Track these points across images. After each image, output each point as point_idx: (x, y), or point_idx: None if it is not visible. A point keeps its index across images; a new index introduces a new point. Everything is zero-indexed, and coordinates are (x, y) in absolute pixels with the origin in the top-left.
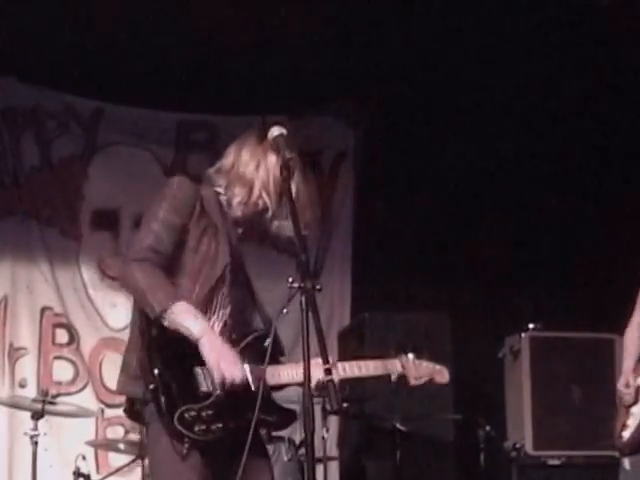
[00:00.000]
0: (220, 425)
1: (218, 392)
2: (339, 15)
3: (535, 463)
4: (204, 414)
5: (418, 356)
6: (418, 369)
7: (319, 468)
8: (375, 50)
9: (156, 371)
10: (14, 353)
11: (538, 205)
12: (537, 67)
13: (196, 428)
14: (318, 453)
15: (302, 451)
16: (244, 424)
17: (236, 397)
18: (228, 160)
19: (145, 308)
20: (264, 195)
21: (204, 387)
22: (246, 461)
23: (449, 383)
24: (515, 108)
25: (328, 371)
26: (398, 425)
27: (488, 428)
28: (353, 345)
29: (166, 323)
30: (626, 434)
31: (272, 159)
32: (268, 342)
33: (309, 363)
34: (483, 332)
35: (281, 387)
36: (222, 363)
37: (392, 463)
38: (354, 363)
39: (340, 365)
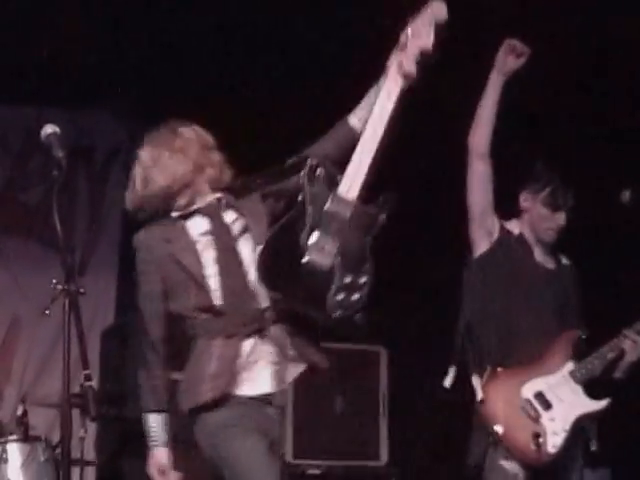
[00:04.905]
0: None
1: None
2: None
3: (295, 472)
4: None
5: None
6: None
7: (76, 470)
8: (160, 49)
9: None
10: None
11: None
12: None
13: None
14: (76, 454)
15: (59, 451)
16: None
17: None
18: None
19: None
20: None
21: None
22: None
23: None
24: None
25: (88, 377)
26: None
27: None
28: (115, 344)
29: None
30: (549, 447)
31: None
32: None
33: (69, 366)
34: None
35: None
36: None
37: None
38: None
39: None
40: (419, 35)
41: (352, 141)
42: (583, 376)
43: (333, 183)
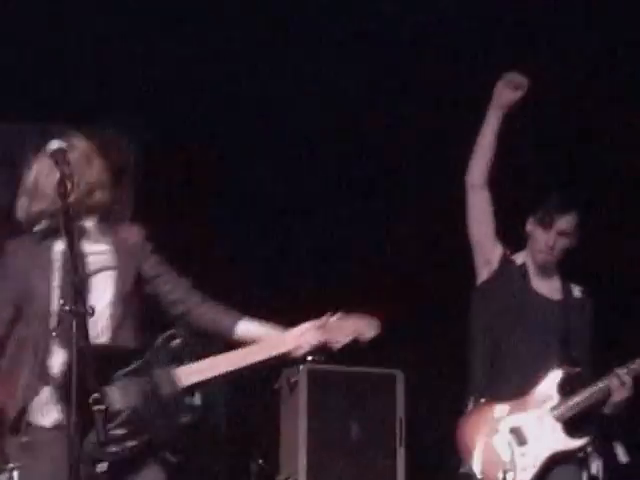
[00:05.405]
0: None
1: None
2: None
3: None
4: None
5: None
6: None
7: None
8: (159, 62)
9: None
10: None
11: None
12: None
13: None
14: None
15: None
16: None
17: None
18: None
19: None
20: None
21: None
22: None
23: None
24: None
25: (97, 401)
26: (168, 456)
27: (261, 461)
28: None
29: None
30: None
31: None
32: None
33: (74, 387)
34: None
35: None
36: None
37: None
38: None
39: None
40: (331, 334)
41: (223, 336)
42: (563, 414)
43: (179, 361)
